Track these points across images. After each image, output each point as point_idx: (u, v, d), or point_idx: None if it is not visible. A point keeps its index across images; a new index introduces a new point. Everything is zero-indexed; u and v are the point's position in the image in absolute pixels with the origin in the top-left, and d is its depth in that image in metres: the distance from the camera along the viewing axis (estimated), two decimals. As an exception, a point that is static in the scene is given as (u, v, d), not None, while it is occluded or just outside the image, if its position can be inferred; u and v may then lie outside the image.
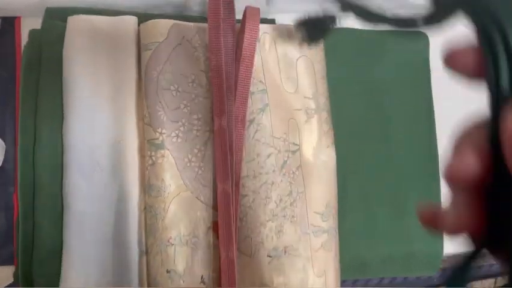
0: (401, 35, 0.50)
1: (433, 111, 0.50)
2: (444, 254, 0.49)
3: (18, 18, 0.45)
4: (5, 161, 0.44)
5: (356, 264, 0.47)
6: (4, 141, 0.45)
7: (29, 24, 0.43)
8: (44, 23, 0.42)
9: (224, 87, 0.39)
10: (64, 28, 0.40)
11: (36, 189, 0.40)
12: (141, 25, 0.40)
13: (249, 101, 0.41)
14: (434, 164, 0.49)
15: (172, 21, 0.40)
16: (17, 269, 0.40)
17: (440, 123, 0.50)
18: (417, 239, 0.48)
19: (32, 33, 0.42)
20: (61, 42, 0.40)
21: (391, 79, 0.49)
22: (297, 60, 0.43)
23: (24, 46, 0.42)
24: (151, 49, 0.39)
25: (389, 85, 0.49)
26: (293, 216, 0.41)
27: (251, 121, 0.41)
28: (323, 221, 0.42)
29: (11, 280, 0.42)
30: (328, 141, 0.43)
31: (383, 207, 0.47)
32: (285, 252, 0.41)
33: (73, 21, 0.40)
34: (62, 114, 0.39)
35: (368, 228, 0.47)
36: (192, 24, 0.41)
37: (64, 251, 0.38)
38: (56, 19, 0.41)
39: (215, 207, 0.39)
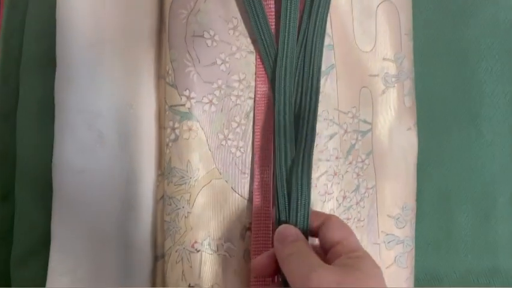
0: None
1: (539, 88, 0.38)
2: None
3: None
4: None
5: (427, 279, 0.37)
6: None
7: None
8: None
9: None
10: None
11: (18, 164, 0.30)
12: None
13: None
14: (536, 159, 0.38)
15: None
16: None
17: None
18: (504, 251, 0.38)
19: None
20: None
21: (487, 43, 0.38)
22: (378, 6, 0.31)
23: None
24: (179, -22, 0.28)
25: (484, 51, 0.38)
26: (359, 220, 0.31)
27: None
28: (398, 228, 0.32)
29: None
30: (410, 121, 0.32)
31: (466, 210, 0.37)
32: (346, 267, 0.30)
33: None
34: (54, 65, 0.29)
35: (444, 236, 0.37)
36: None
37: (51, 248, 0.28)
38: None
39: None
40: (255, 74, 0.29)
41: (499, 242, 0.38)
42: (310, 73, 0.29)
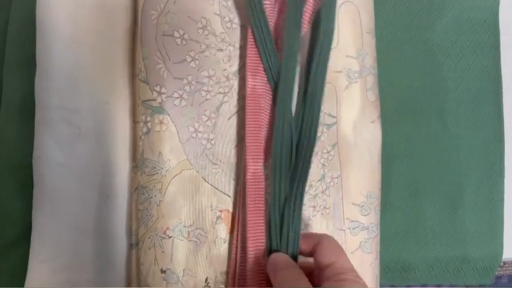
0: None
1: (501, 81, 0.40)
2: (503, 259, 0.40)
3: None
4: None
5: (396, 268, 0.39)
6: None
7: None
8: None
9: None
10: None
11: (2, 158, 0.31)
12: (139, -50, 0.31)
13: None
14: (499, 148, 0.39)
15: None
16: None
17: (510, 97, 0.40)
18: (472, 240, 0.39)
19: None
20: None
21: (451, 41, 0.40)
22: (340, 6, 0.33)
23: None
24: (150, -18, 0.30)
25: (449, 49, 0.40)
26: (325, 208, 0.32)
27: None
28: (363, 215, 0.33)
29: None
30: (373, 114, 0.34)
31: (434, 201, 0.39)
32: (313, 252, 0.32)
33: None
34: (35, 64, 0.30)
35: (413, 226, 0.39)
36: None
37: (32, 237, 0.30)
38: None
39: (226, 192, 0.31)
40: (246, 66, 0.31)
41: (466, 231, 0.39)
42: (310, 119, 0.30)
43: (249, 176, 0.30)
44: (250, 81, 0.30)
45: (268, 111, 0.31)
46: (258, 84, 0.31)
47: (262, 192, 0.30)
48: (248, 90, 0.30)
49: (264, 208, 0.30)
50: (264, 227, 0.29)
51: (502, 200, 0.39)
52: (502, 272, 0.43)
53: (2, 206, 0.31)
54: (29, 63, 0.31)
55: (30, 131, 0.30)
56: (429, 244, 0.39)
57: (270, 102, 0.31)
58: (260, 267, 0.29)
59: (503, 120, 0.40)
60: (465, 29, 0.40)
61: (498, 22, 0.41)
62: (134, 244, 0.31)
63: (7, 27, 0.33)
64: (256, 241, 0.29)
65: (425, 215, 0.38)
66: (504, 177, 0.40)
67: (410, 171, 0.38)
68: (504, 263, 0.42)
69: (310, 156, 0.29)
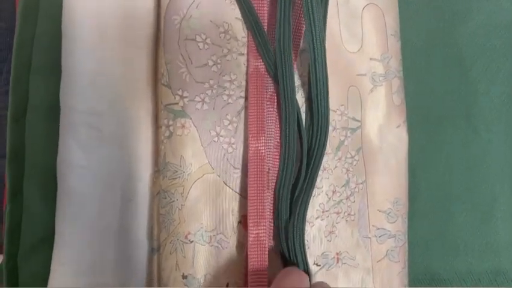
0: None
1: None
2: (541, 272, 0.38)
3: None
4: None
5: (425, 279, 0.37)
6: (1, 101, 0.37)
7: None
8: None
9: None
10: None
11: (28, 162, 0.32)
12: (163, -43, 0.31)
13: (298, 61, 0.32)
14: (534, 155, 0.37)
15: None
16: (3, 260, 0.32)
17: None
18: (506, 252, 0.37)
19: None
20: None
21: (480, 45, 0.38)
22: (363, 9, 0.33)
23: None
24: (173, -13, 0.30)
25: (478, 52, 0.38)
26: (350, 214, 0.31)
27: (298, 87, 0.32)
28: (389, 222, 0.32)
29: (0, 271, 0.35)
30: (399, 118, 0.33)
31: (464, 209, 0.37)
32: (338, 260, 0.31)
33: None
34: (60, 70, 0.31)
35: (443, 235, 0.37)
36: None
37: (55, 240, 0.30)
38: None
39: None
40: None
41: (499, 242, 0.37)
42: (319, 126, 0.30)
43: (250, 153, 0.29)
44: (252, 61, 0.31)
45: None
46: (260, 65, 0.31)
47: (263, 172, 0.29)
48: (250, 69, 0.31)
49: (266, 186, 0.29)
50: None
51: (538, 209, 0.38)
52: (539, 286, 0.40)
53: (27, 208, 0.32)
54: (54, 69, 0.31)
55: (55, 134, 0.31)
56: (461, 255, 0.37)
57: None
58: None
59: (537, 125, 0.38)
60: (494, 31, 0.39)
61: (529, 24, 0.39)
62: (155, 249, 0.30)
63: (33, 37, 0.33)
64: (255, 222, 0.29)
65: (455, 225, 0.37)
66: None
67: (439, 179, 0.37)
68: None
69: (315, 175, 0.29)
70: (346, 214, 0.31)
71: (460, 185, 0.37)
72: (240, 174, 0.30)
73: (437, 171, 0.37)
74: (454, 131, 0.37)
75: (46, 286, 0.30)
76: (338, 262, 0.31)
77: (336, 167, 0.32)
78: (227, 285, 0.29)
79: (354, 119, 0.32)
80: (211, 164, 0.30)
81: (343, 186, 0.32)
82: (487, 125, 0.38)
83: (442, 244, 0.37)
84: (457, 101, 0.38)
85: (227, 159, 0.30)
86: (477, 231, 0.37)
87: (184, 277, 0.29)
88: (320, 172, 0.31)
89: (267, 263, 0.28)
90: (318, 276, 0.31)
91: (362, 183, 0.32)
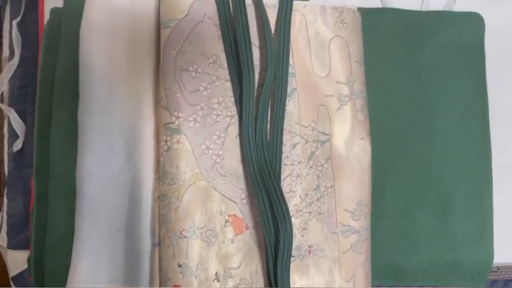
0: (451, 16, 0.44)
1: (487, 101, 0.44)
2: (494, 263, 0.43)
3: (43, -4, 0.44)
4: (25, 143, 0.43)
5: (391, 271, 0.42)
6: (25, 123, 0.44)
7: (53, 3, 0.42)
8: (65, 0, 0.40)
9: None
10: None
11: (51, 172, 0.38)
12: (161, 1, 0.38)
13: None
14: (486, 161, 0.43)
15: (194, -2, 0.37)
16: (30, 255, 0.39)
17: (495, 115, 0.44)
18: (463, 245, 0.42)
19: (54, 11, 0.40)
20: (80, 20, 0.38)
21: (439, 65, 0.43)
22: (331, 40, 0.39)
23: (45, 25, 0.41)
24: (170, 27, 0.37)
25: (437, 72, 0.43)
26: (320, 213, 0.37)
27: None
28: (354, 220, 0.38)
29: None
30: (363, 132, 0.39)
31: (425, 209, 0.42)
32: (310, 252, 0.37)
33: (92, -2, 0.38)
34: (78, 94, 0.37)
35: (407, 232, 0.42)
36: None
37: (75, 238, 0.36)
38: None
39: (233, 199, 0.36)
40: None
41: (456, 237, 0.42)
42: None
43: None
44: None
45: None
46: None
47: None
48: None
49: None
50: None
51: (490, 208, 0.42)
52: (496, 277, 0.45)
53: (51, 211, 0.38)
54: (74, 95, 0.37)
55: (74, 149, 0.37)
56: (423, 249, 0.41)
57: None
58: None
59: (488, 134, 0.43)
60: (453, 52, 0.43)
61: (484, 45, 0.44)
62: (157, 243, 0.36)
63: (55, 64, 0.40)
64: None
65: (418, 223, 0.41)
66: (492, 187, 0.43)
67: (402, 183, 0.42)
68: (498, 268, 0.45)
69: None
70: (317, 213, 0.37)
71: (421, 188, 0.42)
72: (226, 180, 0.36)
73: (400, 176, 0.42)
74: (415, 142, 0.42)
75: (68, 276, 0.36)
76: (309, 254, 0.37)
77: (308, 174, 0.37)
78: (216, 274, 0.35)
79: (323, 133, 0.38)
80: (202, 173, 0.36)
81: (314, 190, 0.37)
82: (445, 136, 0.43)
83: (406, 240, 0.42)
84: (419, 116, 0.43)
85: (216, 168, 0.36)
86: (436, 228, 0.42)
87: (180, 266, 0.35)
88: (294, 178, 0.37)
89: None
90: (293, 266, 0.36)
91: (330, 187, 0.38)
